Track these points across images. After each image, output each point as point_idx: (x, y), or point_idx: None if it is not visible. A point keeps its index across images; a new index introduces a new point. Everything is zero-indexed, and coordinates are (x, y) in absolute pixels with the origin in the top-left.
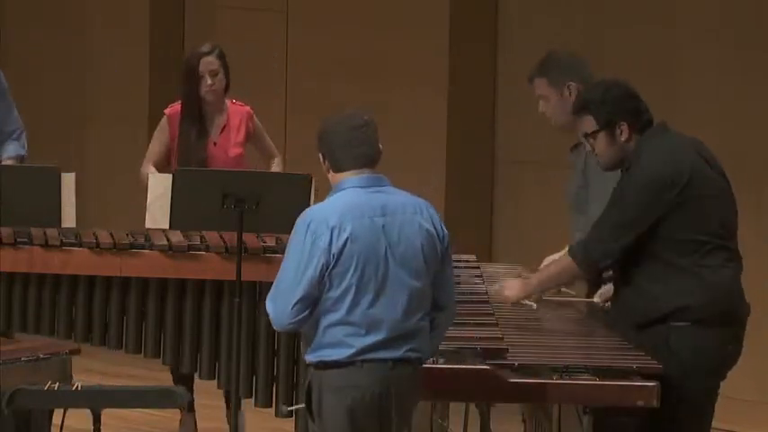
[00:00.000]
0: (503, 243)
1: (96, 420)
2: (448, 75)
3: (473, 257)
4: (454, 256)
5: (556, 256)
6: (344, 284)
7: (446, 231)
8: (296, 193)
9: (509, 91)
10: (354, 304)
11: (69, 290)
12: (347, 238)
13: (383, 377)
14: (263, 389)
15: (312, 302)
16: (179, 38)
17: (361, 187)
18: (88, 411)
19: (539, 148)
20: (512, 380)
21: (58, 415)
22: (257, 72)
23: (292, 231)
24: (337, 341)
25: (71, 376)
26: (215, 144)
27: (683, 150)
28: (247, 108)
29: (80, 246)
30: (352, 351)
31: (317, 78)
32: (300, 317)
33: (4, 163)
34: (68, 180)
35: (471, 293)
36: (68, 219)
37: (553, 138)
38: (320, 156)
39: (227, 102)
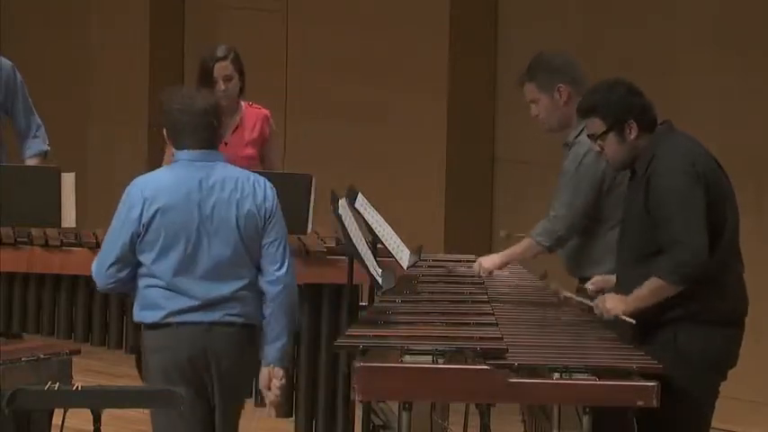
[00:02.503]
0: (502, 243)
1: (96, 420)
2: (448, 75)
3: (472, 257)
4: (454, 256)
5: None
6: (155, 252)
7: (271, 205)
8: (296, 193)
9: (509, 91)
10: (166, 270)
11: (69, 290)
12: (157, 210)
13: (196, 339)
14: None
15: (127, 265)
16: (179, 38)
17: (190, 161)
18: (88, 411)
19: (538, 148)
20: (511, 380)
21: (58, 415)
22: (257, 72)
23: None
24: (152, 303)
25: (71, 376)
26: (226, 144)
27: (701, 152)
28: (266, 111)
29: (80, 246)
30: (163, 313)
31: (317, 79)
32: (116, 278)
33: (28, 161)
34: (68, 180)
35: (471, 293)
36: (68, 219)
37: (553, 138)
38: (164, 130)
39: (243, 103)
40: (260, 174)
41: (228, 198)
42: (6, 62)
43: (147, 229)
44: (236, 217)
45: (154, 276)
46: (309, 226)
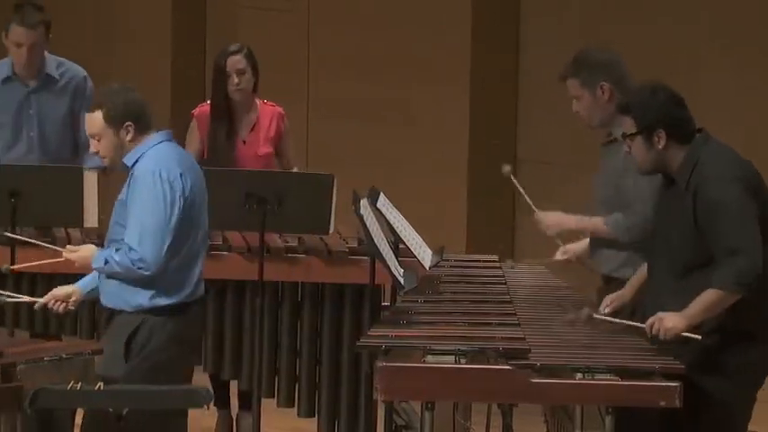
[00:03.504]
0: (525, 243)
1: (119, 420)
2: (470, 74)
3: (495, 258)
4: (476, 257)
5: (575, 245)
6: (190, 228)
7: None
8: (318, 193)
9: (531, 90)
10: (194, 247)
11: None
12: (192, 185)
13: (200, 314)
14: (285, 388)
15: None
16: (200, 38)
17: (166, 141)
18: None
19: (561, 148)
20: (534, 380)
21: (80, 415)
22: (278, 72)
23: (139, 184)
24: (178, 283)
25: (94, 376)
26: (244, 143)
27: (741, 159)
28: (279, 109)
29: (103, 246)
30: (189, 291)
31: (339, 78)
32: (166, 261)
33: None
34: (91, 180)
35: (493, 293)
36: (91, 219)
37: (576, 138)
38: (126, 126)
39: (258, 101)
40: (280, 174)
41: (199, 170)
42: (79, 71)
43: (188, 204)
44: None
45: (184, 250)
46: (331, 226)
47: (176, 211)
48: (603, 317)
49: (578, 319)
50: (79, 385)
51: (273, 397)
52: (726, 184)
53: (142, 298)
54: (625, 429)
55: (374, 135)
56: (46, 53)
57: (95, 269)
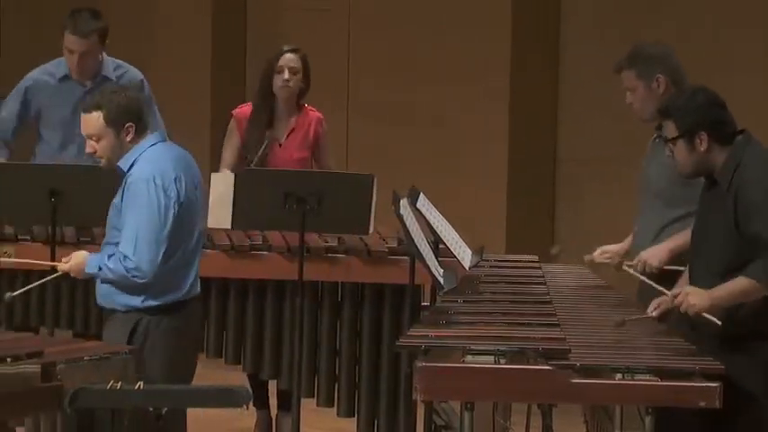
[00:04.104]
0: (564, 243)
1: (158, 419)
2: (510, 75)
3: (534, 258)
4: (516, 257)
5: (614, 246)
6: (185, 231)
7: None
8: (358, 193)
9: (571, 91)
10: (191, 248)
11: None
12: (186, 189)
13: (198, 311)
14: (324, 388)
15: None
16: (241, 38)
17: (161, 142)
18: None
19: (601, 147)
20: (574, 380)
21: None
22: (318, 72)
23: (134, 191)
24: (176, 283)
25: (133, 376)
26: (280, 146)
27: None
28: (319, 114)
29: None
30: (185, 290)
31: (379, 79)
32: (159, 268)
33: None
34: None
35: (533, 293)
36: None
37: (615, 137)
38: (126, 127)
39: (301, 106)
40: (320, 174)
41: (196, 168)
42: (136, 73)
43: (183, 209)
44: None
45: (178, 254)
46: (371, 226)
47: (171, 217)
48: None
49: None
50: (119, 385)
51: (313, 397)
52: (765, 186)
53: (134, 300)
54: (664, 430)
55: (414, 136)
56: (104, 55)
57: (88, 274)
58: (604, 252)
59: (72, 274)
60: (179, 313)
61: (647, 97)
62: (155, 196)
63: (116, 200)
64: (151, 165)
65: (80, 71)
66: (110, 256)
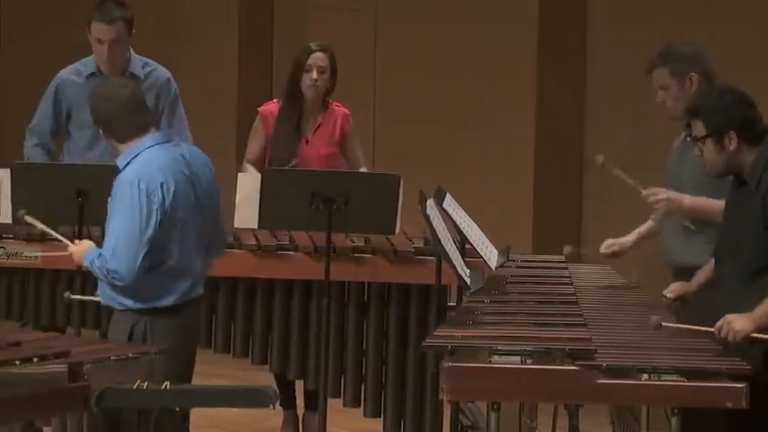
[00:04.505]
0: (591, 244)
1: (185, 419)
2: (536, 77)
3: (561, 258)
4: (542, 257)
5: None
6: (176, 235)
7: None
8: (384, 193)
9: (597, 94)
10: (182, 252)
11: None
12: (174, 193)
13: (197, 314)
14: (351, 388)
15: (147, 254)
16: (268, 38)
17: (158, 144)
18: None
19: (627, 148)
20: (600, 381)
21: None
22: (345, 73)
23: (119, 193)
24: (166, 287)
25: (160, 375)
26: (307, 142)
27: None
28: (345, 110)
29: None
30: (177, 295)
31: (406, 80)
32: (142, 269)
33: None
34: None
35: (559, 294)
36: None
37: (641, 138)
38: (99, 131)
39: (327, 103)
40: (347, 174)
41: (203, 171)
42: (164, 72)
43: (168, 213)
44: (215, 190)
45: (168, 260)
46: (397, 226)
47: (152, 222)
48: (672, 324)
49: (650, 326)
50: (145, 385)
51: (339, 397)
52: None
53: (127, 301)
54: (691, 431)
55: (441, 136)
56: (132, 53)
57: (83, 265)
58: (611, 245)
59: (73, 258)
60: (176, 315)
61: (680, 95)
62: (137, 200)
63: (110, 200)
64: (139, 168)
65: (110, 61)
66: (100, 255)
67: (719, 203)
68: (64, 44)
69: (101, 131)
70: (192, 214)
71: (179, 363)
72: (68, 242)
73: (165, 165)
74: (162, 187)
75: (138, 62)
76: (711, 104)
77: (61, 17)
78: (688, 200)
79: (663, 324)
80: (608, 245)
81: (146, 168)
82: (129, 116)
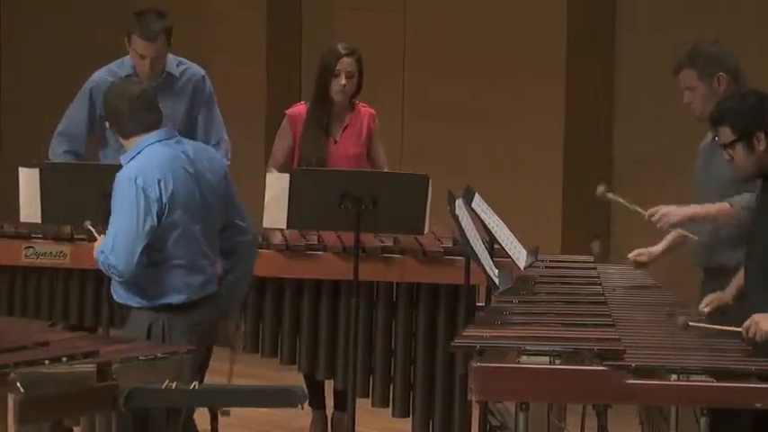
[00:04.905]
0: (620, 244)
1: (214, 419)
2: (566, 76)
3: (590, 258)
4: (571, 257)
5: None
6: (177, 231)
7: (224, 166)
8: (413, 193)
9: (627, 93)
10: (188, 248)
11: None
12: (172, 190)
13: (211, 311)
14: (379, 388)
15: (145, 249)
16: (296, 38)
17: (160, 141)
18: (206, 410)
19: (657, 150)
20: (629, 381)
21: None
22: (373, 72)
23: (117, 190)
24: (176, 285)
25: (189, 375)
26: (335, 142)
27: None
28: (371, 110)
29: None
30: (189, 293)
31: (434, 79)
32: (140, 265)
33: None
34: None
35: (588, 294)
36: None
37: (670, 138)
38: (107, 124)
39: (353, 103)
40: (376, 174)
41: (210, 168)
42: (198, 70)
43: (167, 209)
44: (221, 186)
45: (173, 257)
46: (426, 226)
47: (149, 218)
48: (699, 324)
49: (677, 326)
50: (174, 384)
51: (368, 397)
52: None
53: (139, 299)
54: (720, 431)
55: (469, 136)
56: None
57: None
58: (640, 254)
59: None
60: (191, 313)
61: (708, 96)
62: (134, 196)
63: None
64: (138, 165)
65: (152, 74)
66: (102, 251)
67: (719, 206)
68: (90, 44)
69: (112, 129)
70: (197, 211)
71: (200, 348)
72: (97, 236)
73: (165, 162)
74: (159, 184)
75: (173, 61)
76: (736, 108)
77: (87, 17)
78: (687, 210)
79: (690, 324)
80: (637, 253)
81: (145, 165)
82: (136, 113)
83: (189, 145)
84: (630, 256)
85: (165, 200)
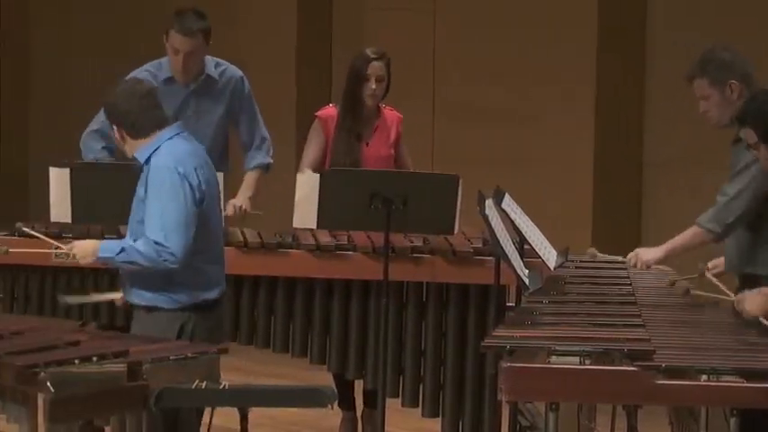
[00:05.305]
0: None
1: (244, 419)
2: (596, 75)
3: (620, 258)
4: (601, 257)
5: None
6: (210, 222)
7: None
8: (443, 193)
9: (657, 95)
10: (215, 237)
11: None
12: (206, 179)
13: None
14: (409, 388)
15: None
16: (327, 39)
17: (177, 135)
18: (236, 410)
19: (687, 152)
20: (659, 381)
21: (206, 413)
22: (404, 73)
23: (156, 179)
24: (209, 280)
25: (219, 375)
26: (367, 144)
27: None
28: (398, 113)
29: (228, 245)
30: (221, 287)
31: (464, 79)
32: (191, 253)
33: (249, 174)
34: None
35: (618, 294)
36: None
37: (701, 140)
38: (113, 127)
39: (381, 105)
40: (406, 174)
41: (211, 167)
42: (235, 71)
43: (203, 197)
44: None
45: (207, 247)
46: (456, 226)
47: (194, 205)
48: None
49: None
50: (204, 384)
51: (398, 397)
52: None
53: (177, 296)
54: (750, 431)
55: (499, 136)
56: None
57: (101, 259)
58: (715, 266)
59: (77, 257)
60: (216, 310)
61: (723, 104)
62: (179, 184)
63: (140, 192)
64: (171, 155)
65: (184, 71)
66: (135, 240)
67: (692, 232)
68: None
69: (115, 129)
70: (217, 202)
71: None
72: (63, 246)
73: (192, 153)
74: (196, 171)
75: (211, 62)
76: (757, 110)
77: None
78: (658, 250)
79: (676, 280)
80: (713, 265)
81: (178, 155)
82: (148, 111)
83: (194, 140)
84: (708, 273)
85: (203, 187)
